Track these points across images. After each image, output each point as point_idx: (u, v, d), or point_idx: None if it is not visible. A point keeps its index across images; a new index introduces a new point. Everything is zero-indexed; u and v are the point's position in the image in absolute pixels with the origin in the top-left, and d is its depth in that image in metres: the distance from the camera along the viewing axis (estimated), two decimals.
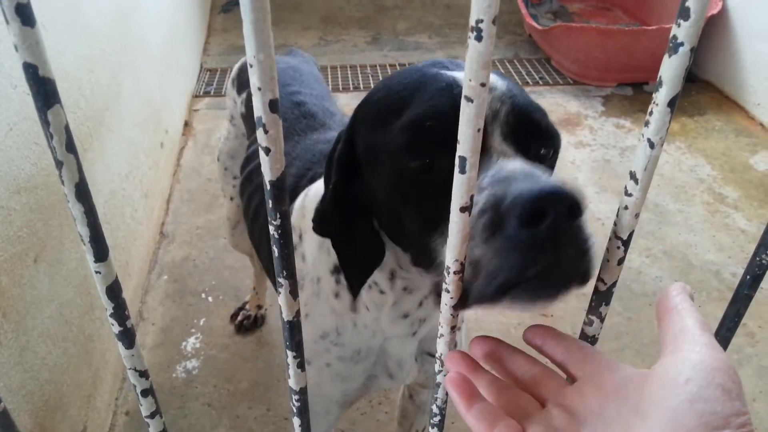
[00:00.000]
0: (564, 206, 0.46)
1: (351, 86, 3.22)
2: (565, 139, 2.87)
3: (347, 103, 3.06)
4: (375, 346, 0.95)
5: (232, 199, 1.55)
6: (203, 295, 1.99)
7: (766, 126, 2.93)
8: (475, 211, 0.50)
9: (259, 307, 1.91)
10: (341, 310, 0.89)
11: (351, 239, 0.73)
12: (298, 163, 1.11)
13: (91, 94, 1.63)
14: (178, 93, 2.85)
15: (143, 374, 0.50)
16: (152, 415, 0.55)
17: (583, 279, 0.51)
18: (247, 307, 1.90)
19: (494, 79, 0.62)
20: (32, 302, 1.21)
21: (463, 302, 0.49)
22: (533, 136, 0.61)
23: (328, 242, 0.85)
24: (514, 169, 0.53)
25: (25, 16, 0.33)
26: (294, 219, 0.97)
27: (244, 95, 1.41)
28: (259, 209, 1.18)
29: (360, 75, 3.33)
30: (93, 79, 1.66)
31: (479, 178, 0.54)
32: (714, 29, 3.19)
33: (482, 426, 0.45)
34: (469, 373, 0.49)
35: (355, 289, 0.77)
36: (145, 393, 0.50)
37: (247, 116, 1.39)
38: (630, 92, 3.23)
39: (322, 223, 0.74)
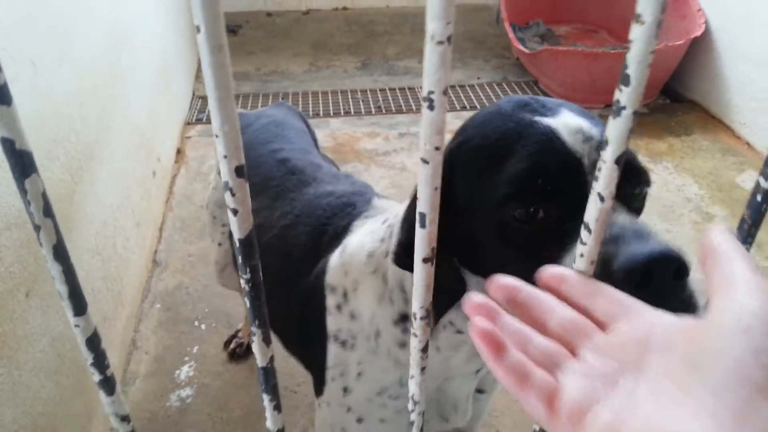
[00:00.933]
0: (671, 269, 0.51)
1: (342, 111, 3.26)
2: None
3: (339, 128, 3.09)
4: (433, 389, 0.94)
5: (220, 244, 1.55)
6: (196, 323, 2.01)
7: (752, 145, 2.98)
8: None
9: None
10: (407, 360, 0.89)
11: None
12: (308, 219, 1.10)
13: (81, 127, 1.65)
14: (170, 121, 2.88)
15: (125, 419, 0.51)
16: None
17: None
18: (240, 334, 1.91)
19: (587, 127, 0.64)
20: (24, 336, 1.23)
21: None
22: (629, 180, 0.63)
23: (389, 293, 0.86)
24: (623, 225, 0.58)
25: (2, 95, 0.35)
26: (334, 278, 0.95)
27: None
28: None
29: (351, 100, 3.37)
30: (83, 113, 1.68)
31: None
32: (698, 50, 3.24)
33: (512, 380, 0.42)
34: (492, 321, 0.45)
35: (435, 322, 0.77)
36: None
37: None
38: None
39: (407, 256, 0.74)
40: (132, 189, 2.10)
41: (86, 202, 1.64)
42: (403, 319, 0.86)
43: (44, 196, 0.38)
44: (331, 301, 0.95)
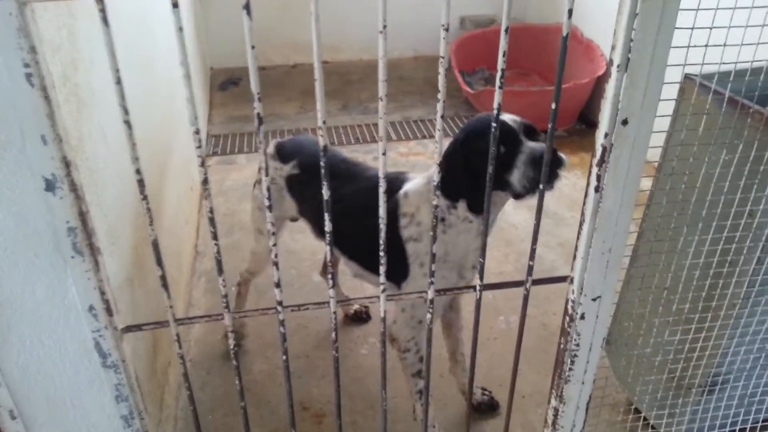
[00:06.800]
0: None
1: (328, 143, 4.11)
2: None
3: None
4: (461, 254, 1.79)
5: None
6: (233, 289, 2.80)
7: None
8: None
9: None
10: (448, 239, 1.78)
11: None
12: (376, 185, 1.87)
13: (162, 149, 2.49)
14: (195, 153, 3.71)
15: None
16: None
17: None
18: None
19: (517, 118, 1.69)
20: None
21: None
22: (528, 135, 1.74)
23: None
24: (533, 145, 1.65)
25: None
26: (404, 208, 1.81)
27: (288, 164, 2.17)
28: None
29: (335, 134, 4.25)
30: (159, 146, 2.52)
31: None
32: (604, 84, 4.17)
33: None
34: None
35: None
36: None
37: (290, 177, 2.17)
38: (542, 137, 4.18)
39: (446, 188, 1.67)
40: (182, 197, 2.92)
41: (167, 198, 2.46)
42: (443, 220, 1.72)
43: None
44: (403, 221, 1.78)
